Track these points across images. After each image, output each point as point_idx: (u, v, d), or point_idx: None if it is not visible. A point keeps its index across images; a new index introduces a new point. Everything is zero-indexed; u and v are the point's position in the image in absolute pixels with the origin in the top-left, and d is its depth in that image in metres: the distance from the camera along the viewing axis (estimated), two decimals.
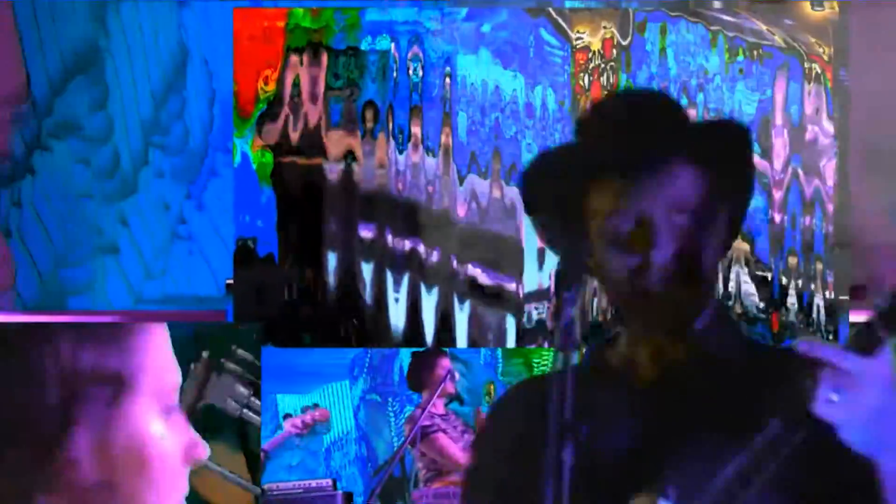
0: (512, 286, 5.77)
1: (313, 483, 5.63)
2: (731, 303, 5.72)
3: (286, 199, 5.80)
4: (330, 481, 5.64)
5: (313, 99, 5.81)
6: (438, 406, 6.08)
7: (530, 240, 5.76)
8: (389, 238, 5.78)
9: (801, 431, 2.34)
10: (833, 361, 2.31)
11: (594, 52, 5.85)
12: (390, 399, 6.48)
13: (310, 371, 5.63)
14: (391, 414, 6.44)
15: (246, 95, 5.81)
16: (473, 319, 5.77)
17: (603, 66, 5.84)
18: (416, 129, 5.80)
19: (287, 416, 5.83)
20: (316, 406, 5.91)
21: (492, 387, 6.08)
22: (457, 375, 6.02)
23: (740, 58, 5.88)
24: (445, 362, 5.94)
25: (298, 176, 5.80)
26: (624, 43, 5.84)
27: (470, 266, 5.77)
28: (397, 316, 5.76)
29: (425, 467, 5.93)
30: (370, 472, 5.96)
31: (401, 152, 5.80)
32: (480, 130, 5.79)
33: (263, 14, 5.84)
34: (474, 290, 5.76)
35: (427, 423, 5.96)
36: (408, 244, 5.78)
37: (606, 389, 2.65)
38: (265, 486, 5.55)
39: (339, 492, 5.59)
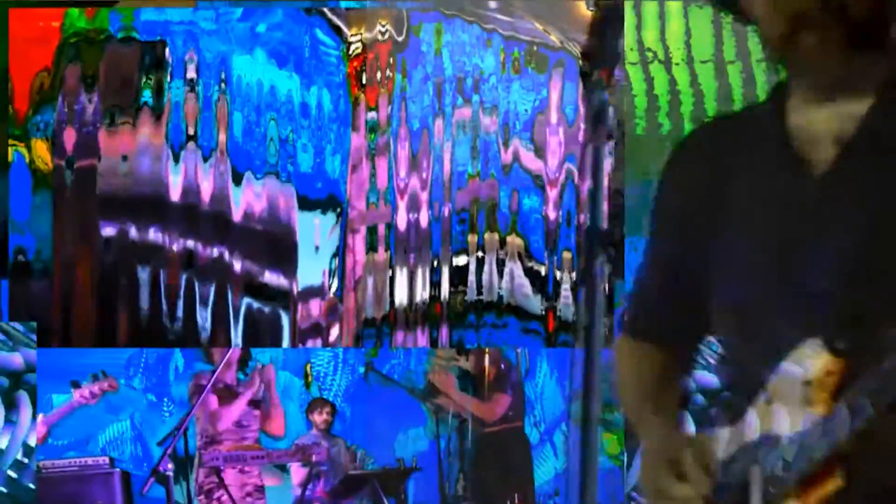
0: (286, 284, 5.82)
1: (90, 460, 5.57)
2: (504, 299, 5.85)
3: (62, 201, 5.79)
4: (107, 459, 5.59)
5: (89, 100, 5.80)
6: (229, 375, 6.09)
7: (304, 238, 5.82)
8: (163, 239, 5.79)
9: None
10: None
11: (369, 52, 5.90)
12: (166, 399, 6.49)
13: (86, 371, 5.60)
14: (167, 413, 6.45)
15: (22, 96, 5.78)
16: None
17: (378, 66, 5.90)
18: (191, 130, 5.80)
19: (75, 384, 5.54)
20: (105, 374, 5.64)
21: None
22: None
23: (515, 58, 5.97)
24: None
25: (73, 177, 5.78)
26: (399, 42, 5.89)
27: (246, 264, 5.80)
28: (173, 315, 5.78)
29: (201, 432, 5.92)
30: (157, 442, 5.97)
31: (177, 155, 5.80)
32: (256, 131, 5.81)
33: (39, 14, 5.81)
34: (250, 288, 5.79)
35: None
36: (184, 244, 5.79)
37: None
38: (40, 463, 5.50)
39: (118, 469, 5.56)
